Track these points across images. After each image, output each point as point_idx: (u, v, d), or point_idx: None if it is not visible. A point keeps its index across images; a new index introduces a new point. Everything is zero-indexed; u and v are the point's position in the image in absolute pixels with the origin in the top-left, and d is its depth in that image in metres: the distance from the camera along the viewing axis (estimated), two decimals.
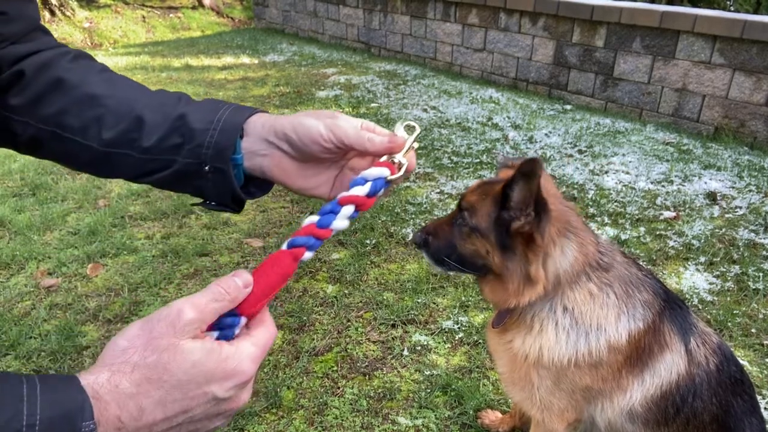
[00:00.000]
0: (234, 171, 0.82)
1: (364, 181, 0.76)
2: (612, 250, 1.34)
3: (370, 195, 0.76)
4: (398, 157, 0.80)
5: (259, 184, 0.88)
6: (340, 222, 0.73)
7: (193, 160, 0.81)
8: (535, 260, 1.21)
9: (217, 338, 0.63)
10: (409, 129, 0.83)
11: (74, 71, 0.83)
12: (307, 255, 0.70)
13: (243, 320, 0.65)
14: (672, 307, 1.34)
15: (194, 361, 0.58)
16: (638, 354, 1.30)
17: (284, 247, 0.70)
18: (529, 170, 1.06)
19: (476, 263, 1.27)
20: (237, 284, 0.64)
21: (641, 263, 1.41)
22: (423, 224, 3.19)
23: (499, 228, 1.19)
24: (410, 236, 3.06)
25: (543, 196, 1.14)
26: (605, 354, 1.28)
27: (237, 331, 0.65)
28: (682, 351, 1.31)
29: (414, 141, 0.81)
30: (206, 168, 0.80)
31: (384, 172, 0.77)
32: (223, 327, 0.64)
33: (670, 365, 1.31)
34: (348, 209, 0.74)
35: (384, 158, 0.81)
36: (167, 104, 0.83)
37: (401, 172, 0.79)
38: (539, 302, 1.28)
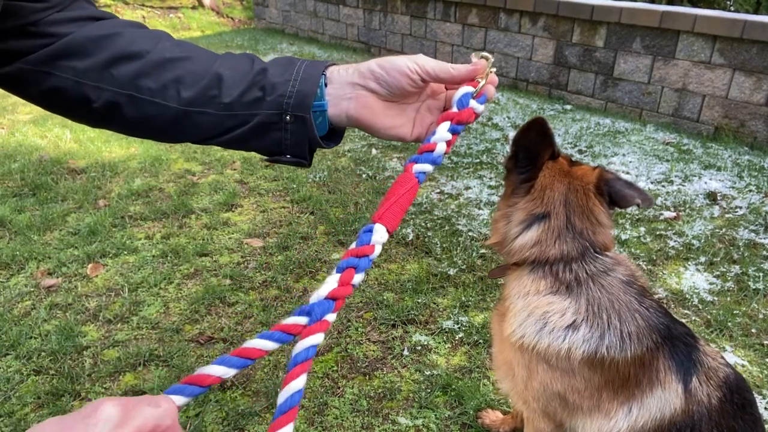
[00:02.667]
0: (319, 119, 0.85)
1: (452, 104, 0.87)
2: (599, 272, 1.30)
3: (460, 108, 0.85)
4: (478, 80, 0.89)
5: (331, 136, 0.91)
6: (441, 135, 0.83)
7: (274, 111, 0.83)
8: (502, 207, 1.37)
9: None
10: (484, 59, 0.91)
11: (141, 39, 0.84)
12: (416, 167, 0.81)
13: None
14: (674, 344, 1.30)
15: None
16: (622, 382, 1.28)
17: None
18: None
19: None
20: (172, 400, 0.57)
21: (658, 300, 1.37)
22: (423, 225, 3.20)
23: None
24: (410, 236, 3.06)
25: (532, 155, 1.28)
26: (567, 362, 1.28)
27: None
28: (678, 390, 1.27)
29: (492, 66, 0.89)
30: (287, 118, 0.83)
31: (467, 89, 0.86)
32: None
33: (662, 403, 1.28)
34: (444, 125, 0.84)
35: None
36: (242, 61, 0.86)
37: (483, 82, 0.87)
38: (509, 279, 1.40)
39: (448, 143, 0.84)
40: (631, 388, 1.29)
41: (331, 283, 0.68)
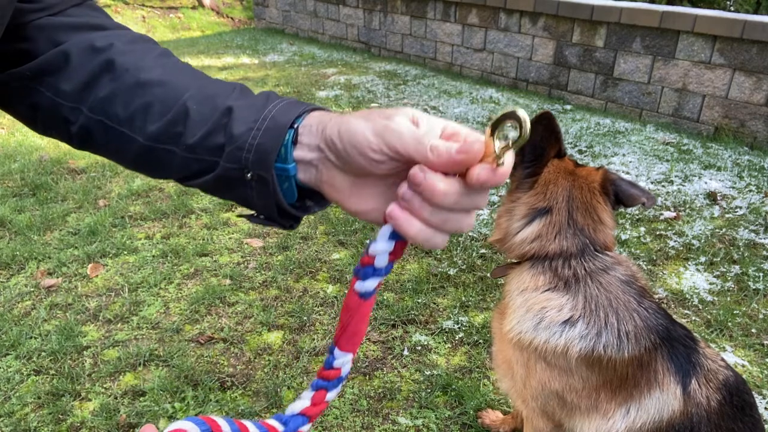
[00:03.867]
0: (286, 183, 0.66)
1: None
2: (598, 270, 1.30)
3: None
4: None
5: (317, 199, 0.70)
6: (379, 245, 0.59)
7: (234, 165, 0.66)
8: (506, 203, 1.38)
9: None
10: (511, 126, 0.50)
11: (129, 54, 0.73)
12: (357, 286, 0.60)
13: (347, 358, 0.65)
14: (673, 346, 1.30)
15: None
16: (620, 383, 1.28)
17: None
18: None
19: None
20: None
21: (658, 301, 1.36)
22: None
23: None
24: None
25: (538, 151, 1.29)
26: (564, 360, 1.28)
27: None
28: (677, 392, 1.27)
29: (505, 149, 0.49)
30: (248, 175, 0.65)
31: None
32: None
33: (660, 404, 1.28)
34: (385, 229, 0.58)
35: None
36: (219, 95, 0.69)
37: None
38: (510, 277, 1.41)
39: (393, 253, 0.59)
40: (629, 388, 1.28)
41: (305, 400, 0.68)
